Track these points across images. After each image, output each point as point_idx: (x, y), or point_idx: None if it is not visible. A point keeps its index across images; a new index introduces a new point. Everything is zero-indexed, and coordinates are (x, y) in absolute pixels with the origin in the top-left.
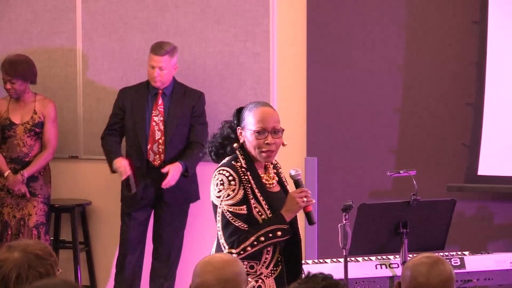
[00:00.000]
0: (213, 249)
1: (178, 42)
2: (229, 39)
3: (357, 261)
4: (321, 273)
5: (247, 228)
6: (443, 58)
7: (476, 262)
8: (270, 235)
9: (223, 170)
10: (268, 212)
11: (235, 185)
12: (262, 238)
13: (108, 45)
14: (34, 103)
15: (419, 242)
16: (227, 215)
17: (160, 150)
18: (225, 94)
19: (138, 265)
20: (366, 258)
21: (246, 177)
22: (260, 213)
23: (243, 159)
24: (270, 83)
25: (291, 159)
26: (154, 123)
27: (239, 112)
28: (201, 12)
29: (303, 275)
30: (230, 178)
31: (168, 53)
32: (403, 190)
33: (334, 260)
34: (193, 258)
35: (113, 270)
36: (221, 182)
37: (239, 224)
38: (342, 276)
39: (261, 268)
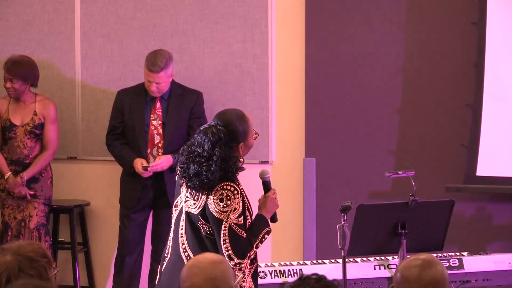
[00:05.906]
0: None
1: (176, 43)
2: (228, 40)
3: (356, 261)
4: (315, 274)
5: (246, 236)
6: (442, 59)
7: (475, 263)
8: (264, 238)
9: (227, 185)
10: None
11: (238, 198)
12: (260, 244)
13: (107, 46)
14: (35, 104)
15: (418, 243)
16: (235, 228)
17: (159, 153)
18: (224, 95)
19: (137, 266)
20: (364, 258)
21: (241, 187)
22: (250, 220)
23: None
24: (269, 84)
25: (290, 160)
26: (152, 127)
27: (229, 133)
28: (199, 13)
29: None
30: (235, 192)
31: (163, 68)
32: (402, 191)
33: (333, 261)
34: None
35: (112, 271)
36: (227, 197)
37: (243, 234)
38: (340, 276)
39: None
